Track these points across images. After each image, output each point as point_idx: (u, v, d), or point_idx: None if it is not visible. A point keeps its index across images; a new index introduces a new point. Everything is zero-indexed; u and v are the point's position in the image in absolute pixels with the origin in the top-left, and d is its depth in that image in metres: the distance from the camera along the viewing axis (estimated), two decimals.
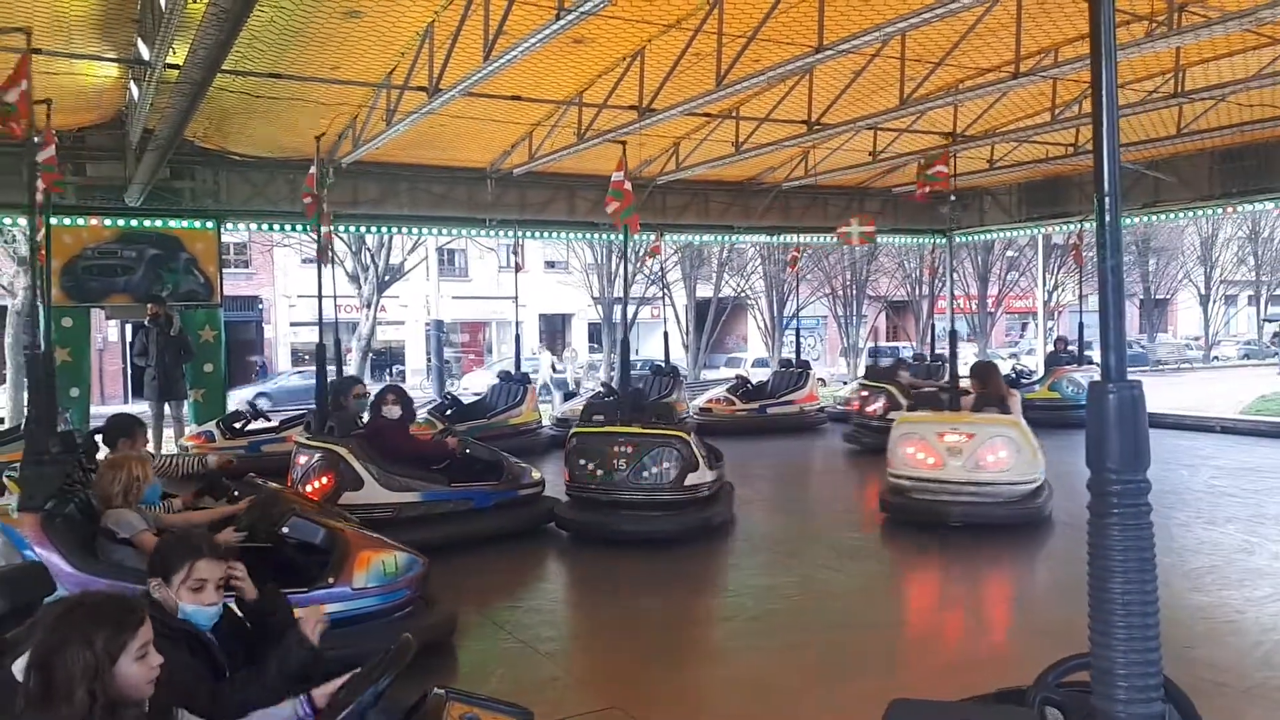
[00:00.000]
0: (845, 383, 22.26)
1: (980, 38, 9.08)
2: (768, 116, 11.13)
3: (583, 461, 7.51)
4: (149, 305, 10.93)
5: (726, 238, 18.74)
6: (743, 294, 32.50)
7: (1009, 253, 32.44)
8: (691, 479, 7.36)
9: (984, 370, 8.46)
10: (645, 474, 7.29)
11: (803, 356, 15.54)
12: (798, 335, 17.51)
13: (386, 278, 22.20)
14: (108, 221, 11.28)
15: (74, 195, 11.04)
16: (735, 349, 39.14)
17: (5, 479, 5.84)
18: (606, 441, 7.51)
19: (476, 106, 10.19)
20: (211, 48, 6.28)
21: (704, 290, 31.57)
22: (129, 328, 25.96)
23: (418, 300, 34.41)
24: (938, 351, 15.47)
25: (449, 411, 12.09)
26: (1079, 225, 16.01)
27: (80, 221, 11.17)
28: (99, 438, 6.19)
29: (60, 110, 10.33)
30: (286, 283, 33.02)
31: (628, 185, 9.16)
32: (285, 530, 4.56)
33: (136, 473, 4.48)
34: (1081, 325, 15.44)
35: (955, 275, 31.32)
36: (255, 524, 4.63)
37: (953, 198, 10.07)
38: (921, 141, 12.35)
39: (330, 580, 4.58)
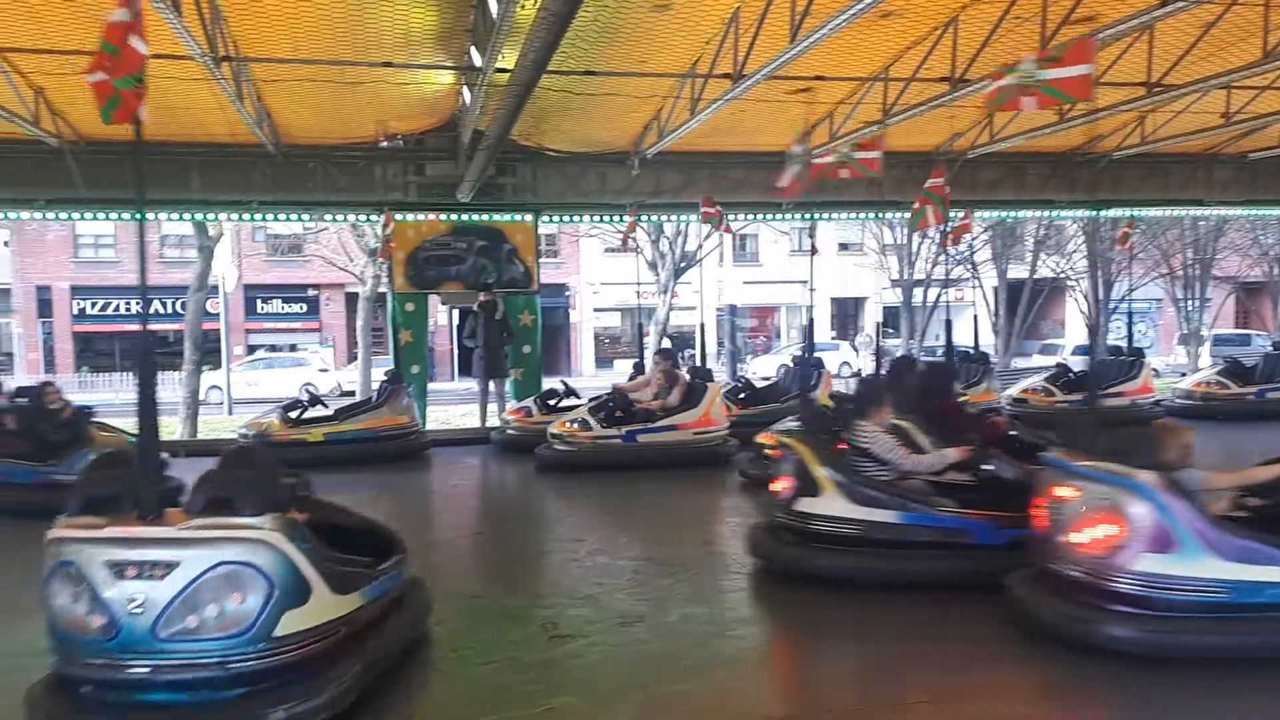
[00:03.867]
0: (1184, 374, 19.85)
1: None
2: (1100, 79, 10.07)
3: None
4: (481, 293, 11.94)
5: (1045, 213, 17.26)
6: (1062, 275, 29.78)
7: None
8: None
9: None
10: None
11: (1134, 344, 14.01)
12: (1129, 320, 15.82)
13: (683, 264, 22.78)
14: (443, 216, 12.45)
15: (415, 193, 12.31)
16: (1051, 335, 36.19)
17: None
18: None
19: (778, 89, 10.12)
20: (540, 50, 6.67)
21: (1017, 271, 29.34)
22: (456, 313, 28.75)
23: (709, 286, 35.10)
24: None
25: (742, 395, 12.17)
26: None
27: (420, 217, 12.41)
28: None
29: (404, 117, 11.61)
30: (591, 271, 34.88)
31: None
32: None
33: None
34: None
35: None
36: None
37: None
38: None
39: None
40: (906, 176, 12.55)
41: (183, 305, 19.30)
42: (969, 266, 25.69)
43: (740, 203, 13.68)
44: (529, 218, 12.83)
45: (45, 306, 31.76)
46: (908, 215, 11.62)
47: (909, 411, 6.57)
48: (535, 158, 12.51)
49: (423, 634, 4.80)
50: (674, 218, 16.03)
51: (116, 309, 32.14)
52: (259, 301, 33.01)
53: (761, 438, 8.97)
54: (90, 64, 4.02)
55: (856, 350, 32.01)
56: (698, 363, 11.90)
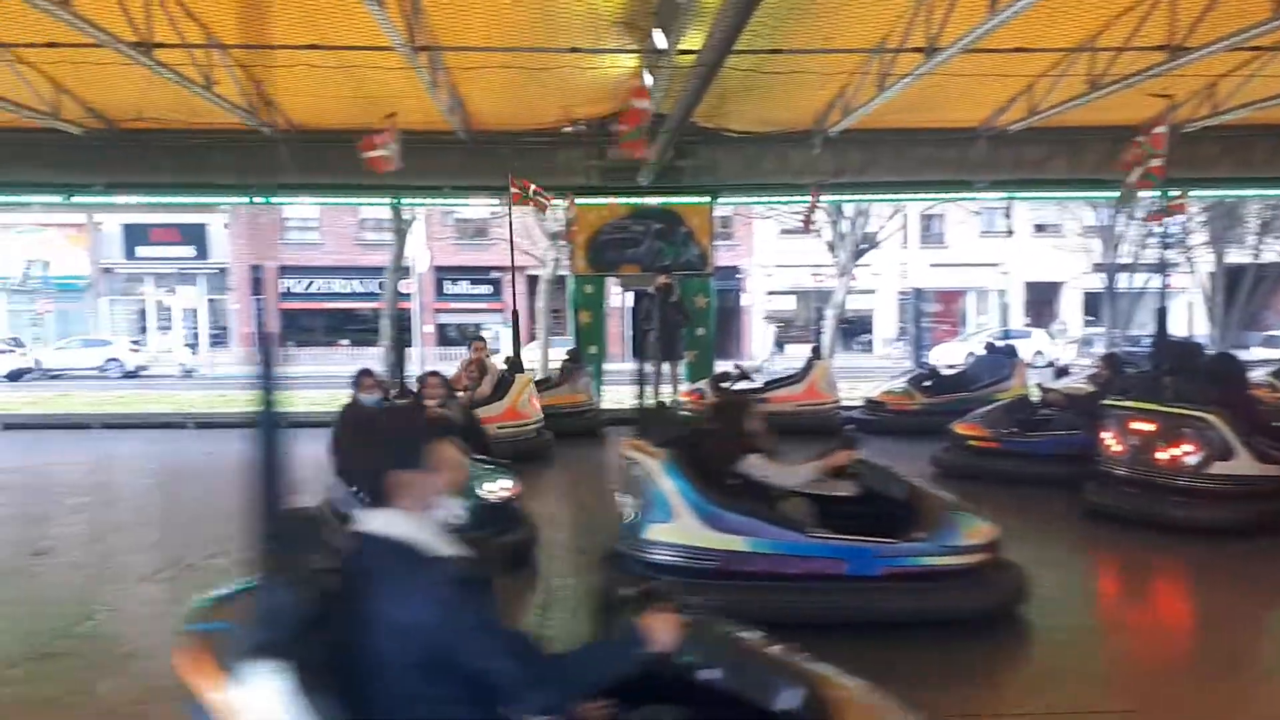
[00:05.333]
0: None
1: None
2: None
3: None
4: (660, 277, 12.03)
5: (1274, 192, 15.64)
6: None
7: None
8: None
9: None
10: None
11: None
12: None
13: (863, 246, 22.10)
14: (622, 200, 12.58)
15: (597, 177, 12.49)
16: (1276, 325, 32.79)
17: None
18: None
19: (972, 62, 9.58)
20: (728, 30, 6.59)
21: (1237, 256, 26.70)
22: (629, 295, 29.13)
23: (890, 268, 33.95)
24: None
25: (927, 383, 11.70)
26: None
27: (601, 201, 12.59)
28: None
29: (588, 102, 11.76)
30: (764, 253, 34.49)
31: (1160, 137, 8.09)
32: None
33: None
34: None
35: None
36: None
37: None
38: None
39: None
40: (1111, 153, 11.65)
41: (380, 285, 20.49)
42: (1183, 250, 23.59)
43: (929, 181, 13.11)
44: (706, 200, 12.78)
45: (257, 284, 34.49)
46: (1114, 195, 10.81)
47: (1206, 402, 6.44)
48: (714, 139, 12.43)
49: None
50: (858, 197, 15.55)
51: (318, 287, 34.52)
52: (447, 283, 34.60)
53: (961, 427, 8.68)
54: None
55: (1052, 338, 30.19)
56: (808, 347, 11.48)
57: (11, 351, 28.25)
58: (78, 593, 5.78)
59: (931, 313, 35.54)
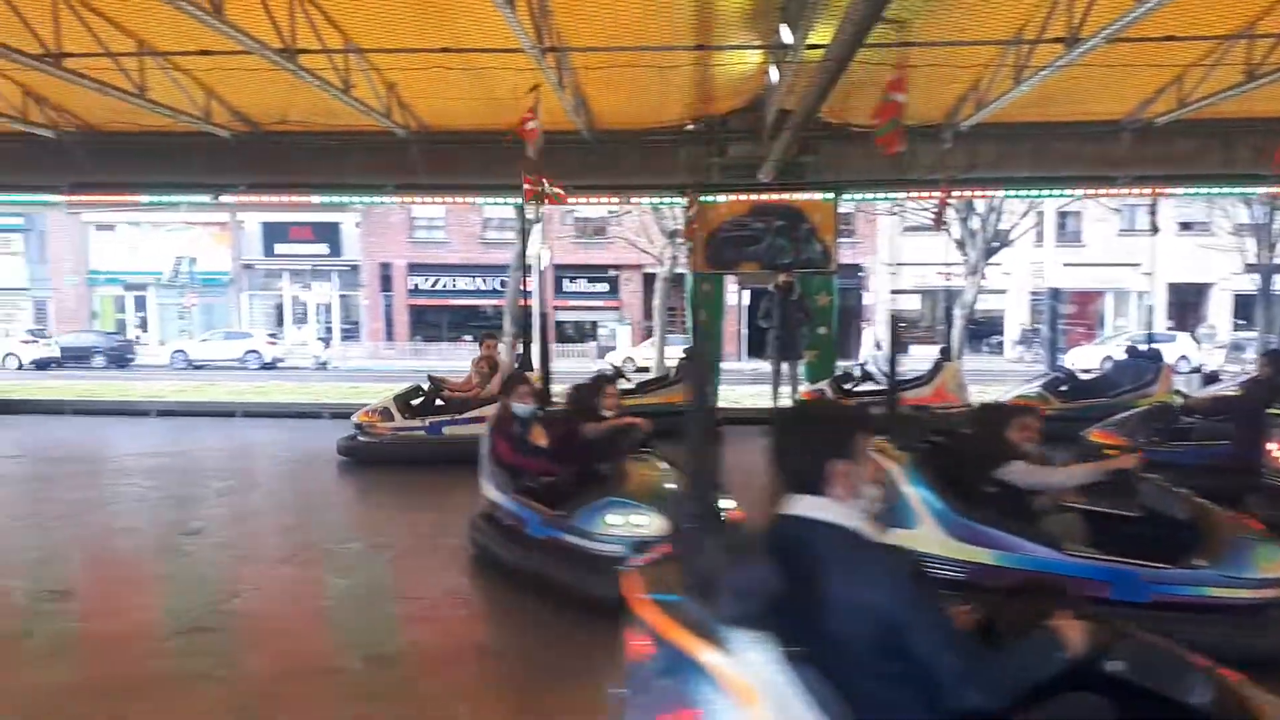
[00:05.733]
0: None
1: None
2: None
3: None
4: (780, 276, 11.89)
5: None
6: None
7: None
8: None
9: None
10: None
11: None
12: None
13: (994, 244, 21.32)
14: (743, 197, 12.48)
15: (717, 174, 12.43)
16: None
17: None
18: None
19: (1116, 52, 9.11)
20: (860, 23, 6.43)
21: None
22: (746, 293, 28.89)
23: (1022, 267, 32.66)
24: None
25: (1063, 388, 11.18)
26: None
27: (721, 198, 12.52)
28: None
29: (710, 99, 11.71)
30: (888, 251, 33.68)
31: None
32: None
33: None
34: None
35: None
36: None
37: None
38: None
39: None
40: (1265, 146, 10.90)
41: (502, 283, 20.94)
42: None
43: (1068, 177, 12.53)
44: (829, 196, 12.55)
45: (386, 282, 35.77)
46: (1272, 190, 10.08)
47: None
48: (839, 134, 12.19)
49: None
50: (991, 193, 15.00)
51: (444, 285, 35.56)
52: (565, 281, 35.12)
53: (1097, 435, 8.25)
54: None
55: (1198, 342, 28.48)
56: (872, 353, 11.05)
57: (35, 342, 30.22)
58: (224, 571, 6.10)
59: (1067, 314, 34.07)
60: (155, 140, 12.41)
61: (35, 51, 8.61)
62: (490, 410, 8.97)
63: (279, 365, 30.16)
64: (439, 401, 9.66)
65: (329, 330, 36.25)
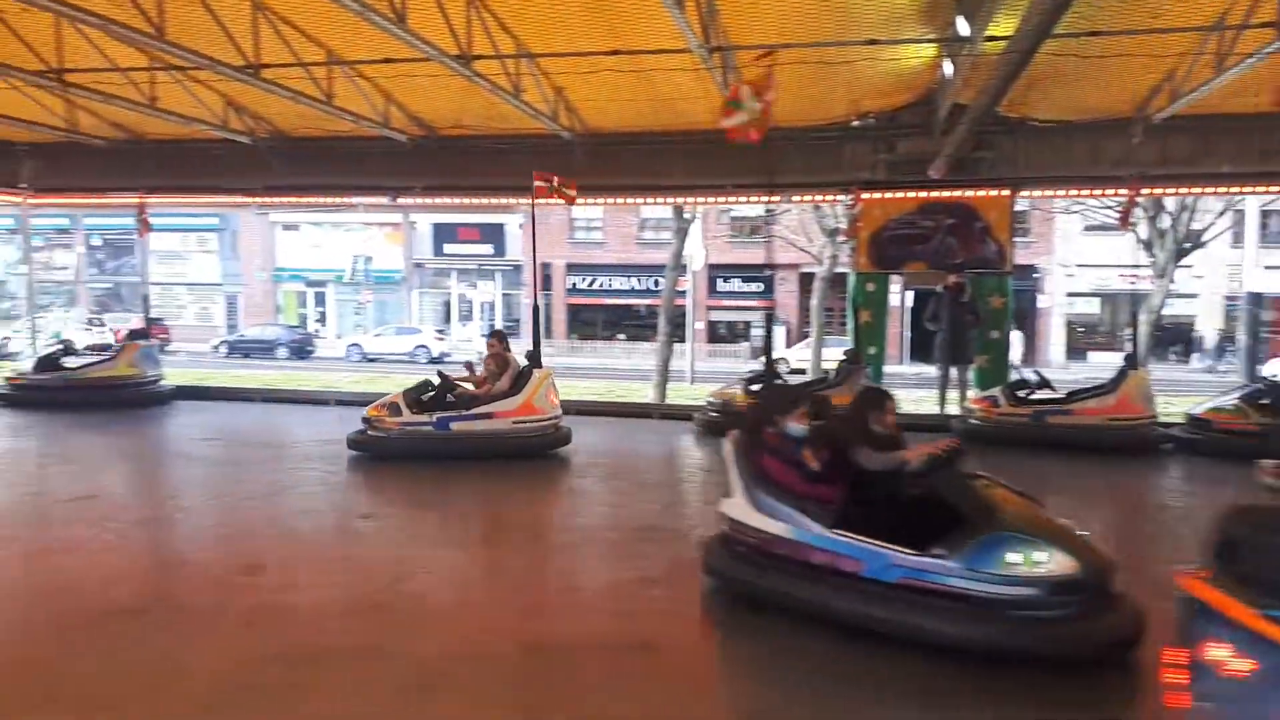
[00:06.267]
0: None
1: None
2: None
3: None
4: (951, 276, 11.39)
5: None
6: None
7: None
8: None
9: None
10: None
11: None
12: None
13: (1186, 245, 19.80)
14: (911, 194, 12.06)
15: (884, 171, 12.06)
16: None
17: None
18: None
19: None
20: (1047, 12, 6.09)
21: None
22: (910, 294, 27.96)
23: (1216, 270, 30.27)
24: None
25: (1264, 400, 10.23)
26: None
27: (888, 195, 12.15)
28: None
29: (879, 94, 11.38)
30: (1066, 251, 31.89)
31: None
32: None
33: None
34: None
35: None
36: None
37: None
38: None
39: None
40: None
41: (656, 283, 21.08)
42: None
43: (1275, 173, 11.49)
44: (1005, 192, 11.96)
45: (546, 281, 36.75)
46: None
47: None
48: (1016, 128, 11.59)
49: None
50: (1184, 189, 13.92)
51: (600, 284, 36.20)
52: (719, 280, 35.06)
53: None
54: None
55: None
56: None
57: (90, 329, 31.61)
58: (397, 553, 6.38)
59: (1269, 320, 31.26)
60: (338, 144, 13.16)
61: (237, 64, 9.26)
62: (500, 406, 9.33)
63: (446, 360, 31.48)
64: (449, 398, 9.59)
65: (491, 327, 37.58)
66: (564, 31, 9.40)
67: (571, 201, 10.88)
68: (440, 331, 34.13)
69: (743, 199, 14.09)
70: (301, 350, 32.95)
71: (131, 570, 6.02)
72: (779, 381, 10.94)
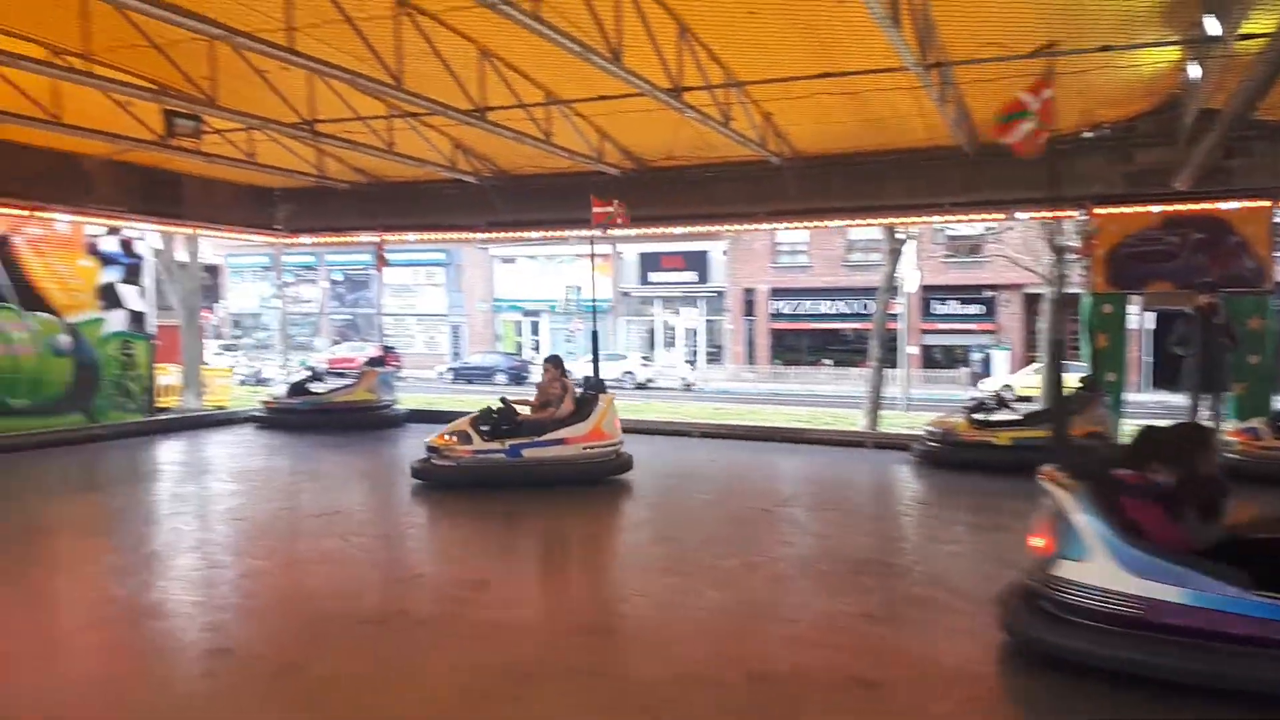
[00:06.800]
0: None
1: None
2: None
3: None
4: (1202, 296, 10.41)
5: None
6: None
7: None
8: None
9: None
10: None
11: None
12: None
13: None
14: (1154, 208, 11.14)
15: (1121, 184, 11.20)
16: None
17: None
18: None
19: None
20: None
21: None
22: (1152, 315, 25.78)
23: None
24: None
25: None
26: None
27: (1127, 210, 11.27)
28: None
29: (1113, 103, 10.62)
30: None
31: None
32: None
33: None
34: None
35: None
36: None
37: None
38: None
39: None
40: None
41: (865, 306, 20.55)
42: None
43: None
44: (1265, 204, 10.80)
45: (749, 306, 36.72)
46: None
47: None
48: (1277, 132, 10.46)
49: None
50: None
51: (805, 309, 35.76)
52: (934, 303, 33.75)
53: None
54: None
55: None
56: None
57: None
58: (614, 575, 6.49)
59: None
60: (553, 181, 13.75)
61: (465, 108, 9.88)
62: (572, 431, 9.36)
63: (650, 386, 32.05)
64: (504, 426, 9.46)
65: (694, 353, 37.94)
66: (772, 58, 9.38)
67: (625, 226, 11.00)
68: (645, 358, 34.85)
69: (961, 217, 13.50)
70: (518, 376, 34.60)
71: (374, 581, 6.47)
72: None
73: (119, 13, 8.02)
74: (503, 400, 9.84)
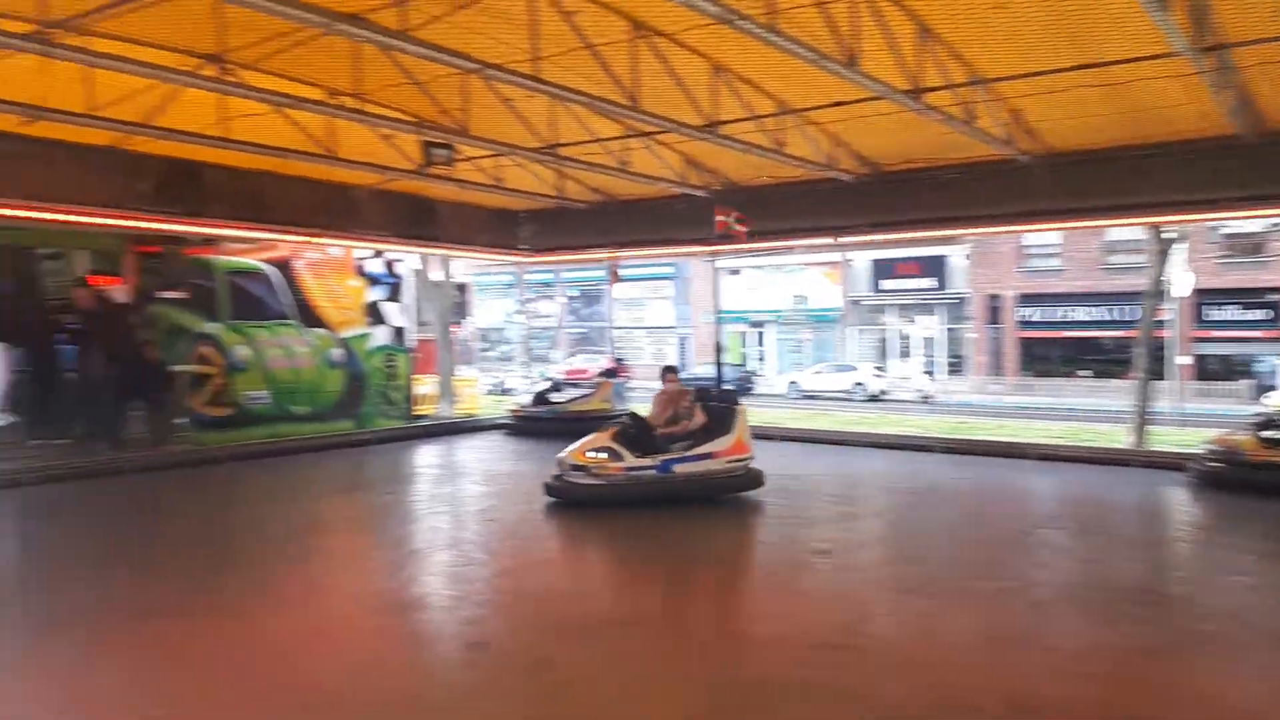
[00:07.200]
0: None
1: None
2: None
3: None
4: None
5: None
6: None
7: None
8: None
9: None
10: None
11: None
12: None
13: None
14: None
15: None
16: None
17: None
18: None
19: None
20: None
21: None
22: None
23: None
24: None
25: None
26: None
27: None
28: None
29: None
30: None
31: None
32: None
33: None
34: None
35: None
36: None
37: None
38: None
39: None
40: None
41: (1126, 312, 18.87)
42: None
43: None
44: None
45: (994, 314, 34.71)
46: None
47: None
48: None
49: None
50: None
51: (1058, 316, 33.34)
52: (1209, 308, 30.47)
53: None
54: None
55: None
56: None
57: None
58: (853, 594, 6.31)
59: None
60: (782, 190, 13.64)
61: (697, 123, 10.01)
62: (717, 445, 9.04)
63: (883, 398, 31.05)
64: (641, 440, 9.03)
65: (933, 364, 36.38)
66: (1021, 52, 8.84)
67: (742, 240, 10.49)
68: (879, 369, 33.81)
69: (1241, 213, 12.12)
70: (743, 387, 34.61)
71: (616, 585, 6.65)
72: None
73: (385, 54, 8.80)
74: (633, 414, 9.64)
